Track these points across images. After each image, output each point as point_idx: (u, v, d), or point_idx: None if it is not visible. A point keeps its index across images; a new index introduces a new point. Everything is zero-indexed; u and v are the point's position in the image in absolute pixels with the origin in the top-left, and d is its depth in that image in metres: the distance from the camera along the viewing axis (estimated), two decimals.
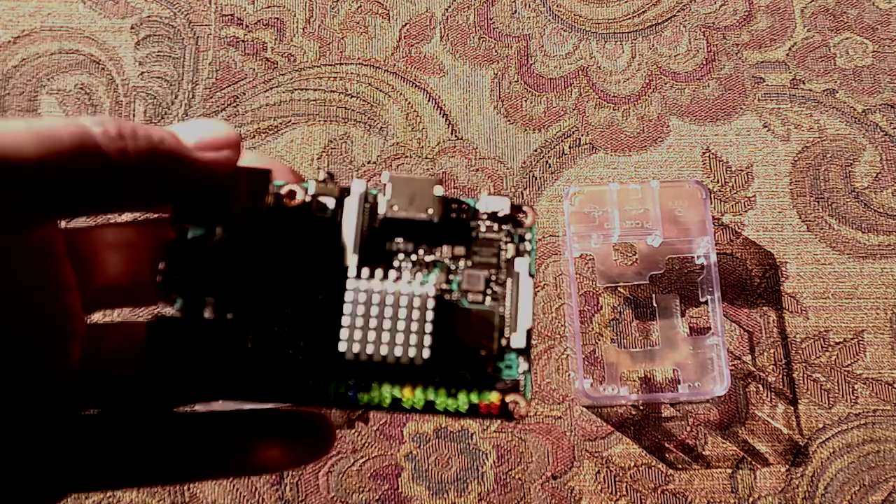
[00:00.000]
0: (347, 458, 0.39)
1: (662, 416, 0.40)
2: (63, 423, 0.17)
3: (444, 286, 0.19)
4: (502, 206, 0.19)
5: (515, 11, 0.46)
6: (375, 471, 0.39)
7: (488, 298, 0.19)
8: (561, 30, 0.46)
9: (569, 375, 0.40)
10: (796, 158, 0.44)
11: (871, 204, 0.43)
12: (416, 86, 0.45)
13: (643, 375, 0.40)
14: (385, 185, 0.19)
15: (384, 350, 0.17)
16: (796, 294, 0.42)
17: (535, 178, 0.43)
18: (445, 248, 0.19)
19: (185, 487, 0.39)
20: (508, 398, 0.18)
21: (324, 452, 0.19)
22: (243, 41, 0.45)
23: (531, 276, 0.19)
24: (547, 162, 0.44)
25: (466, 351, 0.18)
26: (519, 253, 0.19)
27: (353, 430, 0.40)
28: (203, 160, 0.17)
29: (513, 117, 0.44)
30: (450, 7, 0.46)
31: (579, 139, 0.44)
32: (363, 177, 0.43)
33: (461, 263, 0.19)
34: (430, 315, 0.18)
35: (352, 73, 0.45)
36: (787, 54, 0.45)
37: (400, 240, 0.19)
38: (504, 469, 0.39)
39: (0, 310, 0.16)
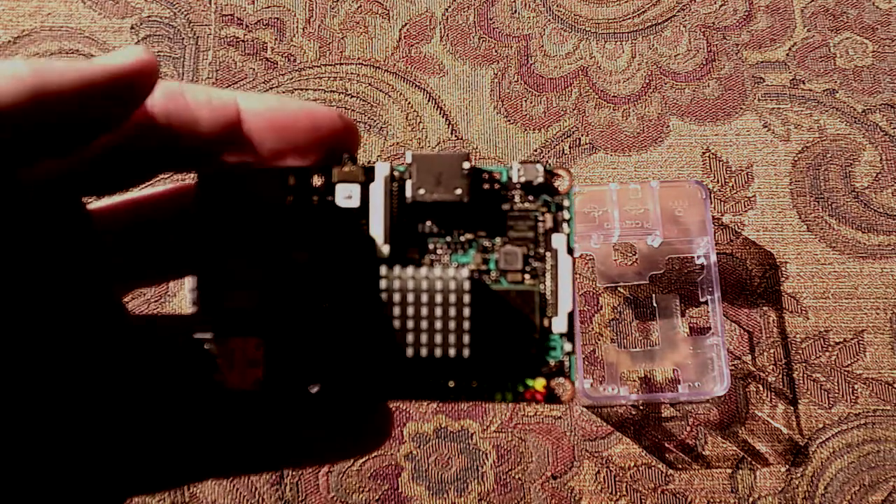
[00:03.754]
0: None
1: (662, 416, 0.40)
2: (121, 417, 0.16)
3: (482, 267, 0.18)
4: (536, 175, 0.18)
5: (515, 11, 0.46)
6: (375, 471, 0.39)
7: (527, 276, 0.18)
8: (561, 30, 0.46)
9: None
10: (796, 158, 0.44)
11: (871, 204, 0.43)
12: (415, 86, 0.45)
13: (643, 375, 0.40)
14: (409, 166, 0.18)
15: (424, 348, 0.17)
16: (796, 294, 0.42)
17: None
18: (479, 226, 0.18)
19: (186, 487, 0.39)
20: (553, 382, 0.18)
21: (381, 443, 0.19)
22: (243, 41, 0.45)
23: (570, 252, 0.18)
24: (547, 162, 0.44)
25: (508, 336, 0.18)
26: (557, 223, 0.18)
27: None
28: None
29: (513, 117, 0.44)
30: (450, 7, 0.46)
31: (579, 139, 0.44)
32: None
33: (497, 240, 0.18)
34: (466, 311, 0.17)
35: (352, 73, 0.45)
36: (787, 54, 0.45)
37: (430, 223, 0.18)
38: (504, 469, 0.39)
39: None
